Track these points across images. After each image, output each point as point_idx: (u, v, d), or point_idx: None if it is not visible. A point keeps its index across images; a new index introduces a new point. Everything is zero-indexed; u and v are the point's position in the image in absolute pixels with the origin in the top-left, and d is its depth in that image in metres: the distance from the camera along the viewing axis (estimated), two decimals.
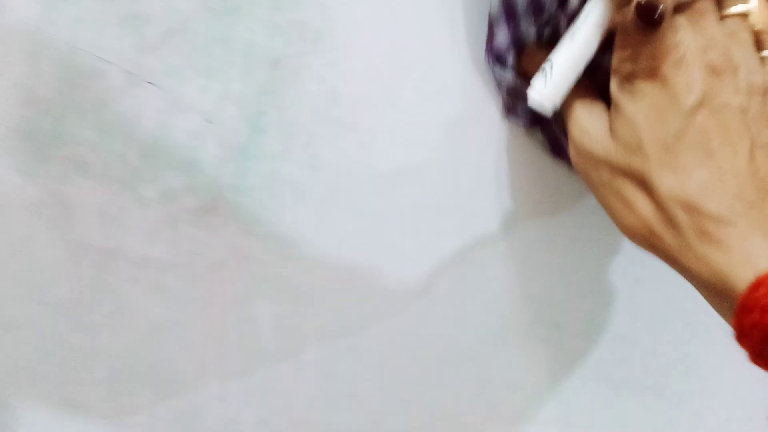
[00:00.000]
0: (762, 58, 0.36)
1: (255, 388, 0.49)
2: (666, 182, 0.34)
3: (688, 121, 0.34)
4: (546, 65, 0.39)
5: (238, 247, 0.47)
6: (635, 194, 0.36)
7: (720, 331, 0.45)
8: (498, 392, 0.51)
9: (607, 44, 0.38)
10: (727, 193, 0.33)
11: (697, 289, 0.35)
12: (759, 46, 0.37)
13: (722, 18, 0.36)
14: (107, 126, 0.45)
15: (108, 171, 0.45)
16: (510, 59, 0.43)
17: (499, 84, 0.45)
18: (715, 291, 0.33)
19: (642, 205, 0.36)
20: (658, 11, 0.34)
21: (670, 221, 0.34)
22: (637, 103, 0.36)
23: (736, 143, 0.34)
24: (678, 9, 0.35)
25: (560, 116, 0.42)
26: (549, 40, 0.42)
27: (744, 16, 0.36)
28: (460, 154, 0.48)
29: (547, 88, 0.39)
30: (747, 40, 0.36)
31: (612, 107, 0.38)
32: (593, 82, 0.40)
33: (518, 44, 0.43)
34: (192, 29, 0.44)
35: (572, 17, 0.40)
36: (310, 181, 0.47)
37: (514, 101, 0.45)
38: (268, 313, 0.49)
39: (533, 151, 0.49)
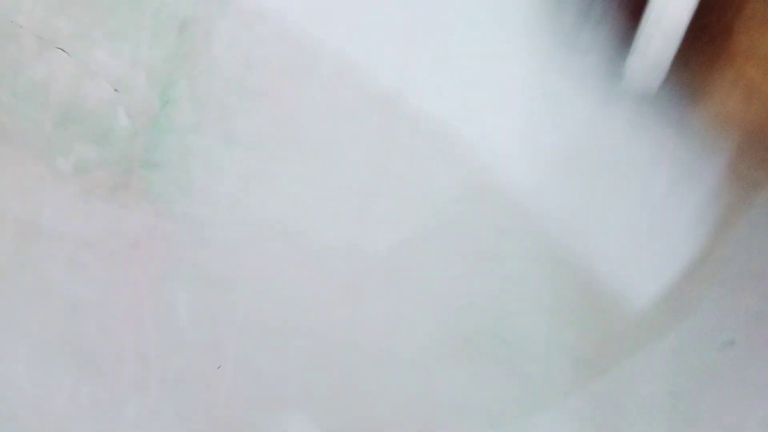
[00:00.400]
0: None
1: (175, 380, 0.46)
2: None
3: None
4: None
5: (152, 226, 0.44)
6: None
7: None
8: (431, 408, 0.44)
9: None
10: None
11: None
12: None
13: None
14: (22, 91, 0.43)
15: (25, 138, 0.44)
16: None
17: None
18: None
19: None
20: None
21: None
22: None
23: None
24: None
25: None
26: None
27: None
28: (387, 131, 0.42)
29: None
30: None
31: None
32: None
33: None
34: None
35: None
36: (225, 157, 0.43)
37: None
38: (185, 299, 0.45)
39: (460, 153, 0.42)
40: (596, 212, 0.41)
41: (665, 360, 0.41)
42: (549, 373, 0.43)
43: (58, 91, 0.43)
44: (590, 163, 0.40)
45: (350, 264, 0.43)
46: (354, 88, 0.41)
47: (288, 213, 0.43)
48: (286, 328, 0.44)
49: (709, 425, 0.41)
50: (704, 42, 0.39)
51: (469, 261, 0.43)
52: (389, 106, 0.41)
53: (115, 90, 0.42)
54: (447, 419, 0.44)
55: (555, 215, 0.42)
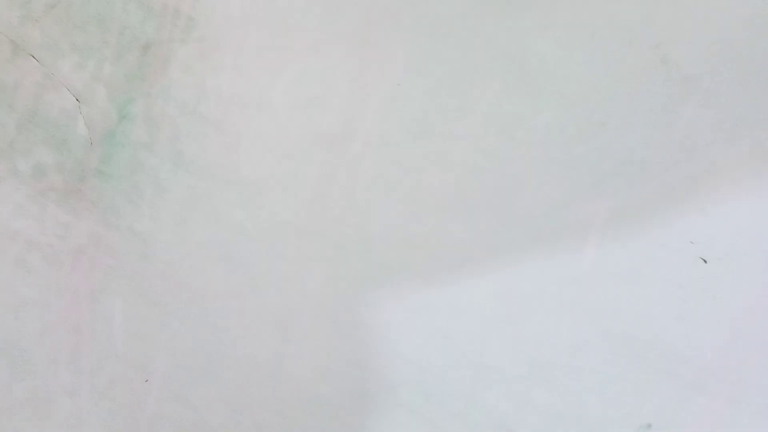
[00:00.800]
0: None
1: (104, 390, 0.46)
2: None
3: None
4: None
5: (98, 236, 0.45)
6: None
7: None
8: None
9: None
10: None
11: None
12: None
13: None
14: None
15: None
16: None
17: None
18: None
19: None
20: None
21: None
22: None
23: None
24: None
25: None
26: None
27: None
28: (329, 171, 0.42)
29: None
30: None
31: None
32: None
33: None
34: (72, 4, 0.43)
35: None
36: (173, 178, 0.44)
37: None
38: (121, 311, 0.46)
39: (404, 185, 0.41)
40: None
41: None
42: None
43: (25, 96, 0.44)
44: None
45: (283, 300, 0.43)
46: (301, 126, 0.42)
47: (228, 239, 0.43)
48: (216, 355, 0.44)
49: None
50: None
51: (399, 308, 0.43)
52: (334, 148, 0.42)
53: (77, 100, 0.43)
54: None
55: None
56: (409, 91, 0.41)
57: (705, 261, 0.40)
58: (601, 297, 0.41)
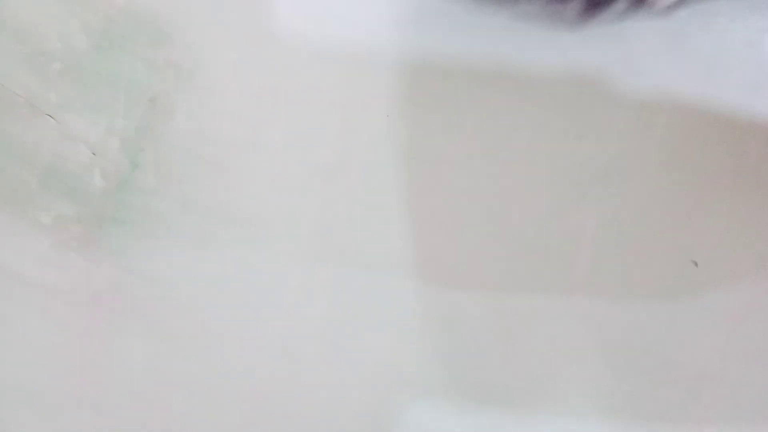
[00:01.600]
0: None
1: (126, 428, 0.48)
2: None
3: None
4: None
5: (115, 280, 0.48)
6: None
7: None
8: None
9: None
10: None
11: None
12: None
13: None
14: (14, 152, 0.48)
15: (11, 195, 0.49)
16: None
17: None
18: None
19: None
20: None
21: None
22: None
23: None
24: None
25: None
26: None
27: None
28: (327, 202, 0.44)
29: None
30: None
31: None
32: None
33: None
34: (84, 67, 0.47)
35: None
36: (181, 220, 0.46)
37: None
38: (140, 352, 0.48)
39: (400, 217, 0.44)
40: None
41: None
42: None
43: (44, 153, 0.47)
44: None
45: (289, 327, 0.45)
46: (298, 162, 0.44)
47: (235, 275, 0.45)
48: (230, 387, 0.46)
49: None
50: None
51: (401, 332, 0.44)
52: (331, 180, 0.44)
53: (93, 154, 0.47)
54: None
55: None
56: (396, 120, 0.43)
57: (696, 264, 0.41)
58: (596, 306, 0.42)
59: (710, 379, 0.41)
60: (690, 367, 0.41)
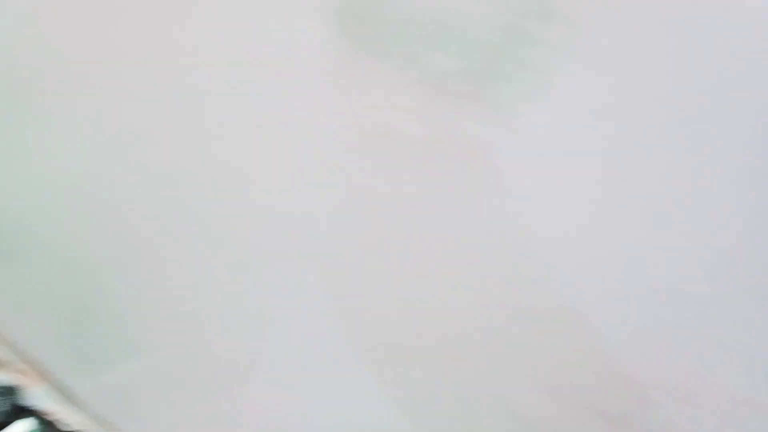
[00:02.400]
0: None
1: None
2: None
3: None
4: None
5: (490, 136, 0.47)
6: None
7: None
8: None
9: None
10: None
11: None
12: None
13: None
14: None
15: (388, 51, 0.48)
16: None
17: None
18: None
19: None
20: None
21: None
22: None
23: None
24: None
25: None
26: None
27: None
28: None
29: None
30: None
31: None
32: None
33: None
34: None
35: None
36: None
37: None
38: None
39: None
40: None
41: None
42: None
43: (426, 6, 0.46)
44: None
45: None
46: None
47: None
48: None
49: None
50: None
51: None
52: None
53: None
54: None
55: None
56: None
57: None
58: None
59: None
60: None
